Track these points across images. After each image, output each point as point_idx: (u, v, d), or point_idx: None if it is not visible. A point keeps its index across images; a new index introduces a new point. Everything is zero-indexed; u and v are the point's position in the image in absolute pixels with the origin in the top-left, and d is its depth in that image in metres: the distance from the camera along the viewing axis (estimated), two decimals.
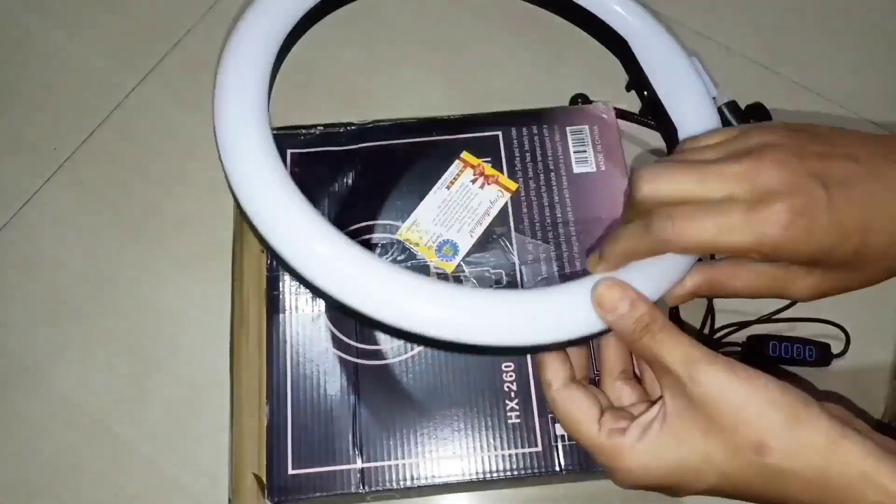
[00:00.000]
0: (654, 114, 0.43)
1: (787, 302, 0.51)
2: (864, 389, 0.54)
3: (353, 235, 0.51)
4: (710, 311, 0.55)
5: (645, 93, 0.43)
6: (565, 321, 0.32)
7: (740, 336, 0.55)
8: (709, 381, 0.28)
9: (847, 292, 0.33)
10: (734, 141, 0.32)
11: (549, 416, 0.47)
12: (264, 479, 0.45)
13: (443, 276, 0.50)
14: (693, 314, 0.54)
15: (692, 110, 0.40)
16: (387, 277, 0.32)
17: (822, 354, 0.54)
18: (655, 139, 0.60)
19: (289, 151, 0.53)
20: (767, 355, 0.53)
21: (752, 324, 0.54)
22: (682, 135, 0.39)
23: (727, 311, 0.55)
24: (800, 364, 0.54)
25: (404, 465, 0.46)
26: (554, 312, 0.32)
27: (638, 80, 0.44)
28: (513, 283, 0.50)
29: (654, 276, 0.33)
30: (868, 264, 0.30)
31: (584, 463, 0.45)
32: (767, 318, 0.54)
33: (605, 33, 0.45)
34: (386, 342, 0.49)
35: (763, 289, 0.34)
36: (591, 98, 0.60)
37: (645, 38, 0.43)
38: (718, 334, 0.55)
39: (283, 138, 0.54)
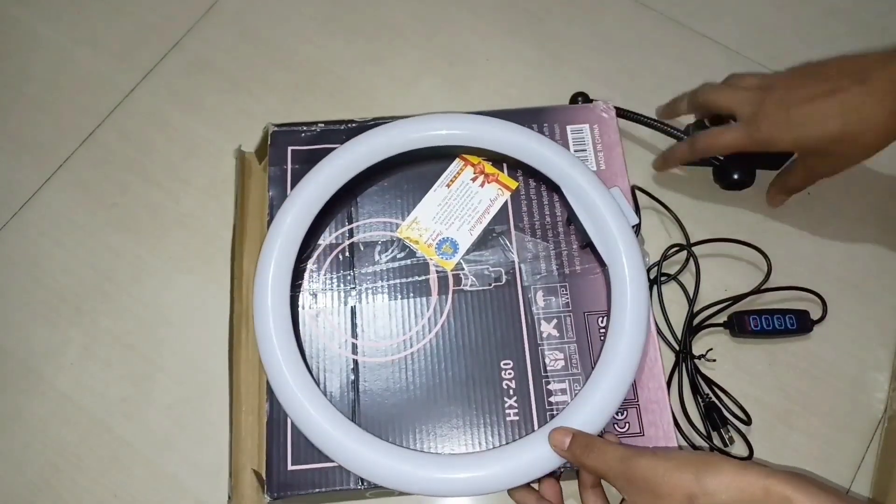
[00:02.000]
0: (585, 246, 0.51)
1: (760, 280, 0.55)
2: (847, 353, 0.55)
3: (352, 233, 0.52)
4: (693, 298, 0.55)
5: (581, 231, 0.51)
6: (536, 466, 0.44)
7: (721, 317, 0.55)
8: (640, 467, 0.38)
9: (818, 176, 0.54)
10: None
11: (548, 413, 0.47)
12: (263, 475, 0.45)
13: (442, 274, 0.50)
14: (675, 302, 0.55)
15: (617, 253, 0.48)
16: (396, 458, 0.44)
17: (802, 321, 0.54)
18: (656, 139, 0.60)
19: (290, 148, 0.53)
20: (750, 330, 0.54)
21: (730, 304, 0.55)
22: (611, 272, 0.48)
23: (707, 292, 0.56)
24: (783, 334, 0.54)
25: None
26: (525, 461, 0.44)
27: (574, 219, 0.51)
28: (512, 282, 0.50)
29: (591, 422, 0.44)
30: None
31: None
32: (744, 296, 0.55)
33: (542, 177, 0.52)
34: (385, 339, 0.49)
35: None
36: (592, 97, 0.60)
37: (574, 186, 0.50)
38: (698, 318, 0.55)
39: (285, 135, 0.54)
